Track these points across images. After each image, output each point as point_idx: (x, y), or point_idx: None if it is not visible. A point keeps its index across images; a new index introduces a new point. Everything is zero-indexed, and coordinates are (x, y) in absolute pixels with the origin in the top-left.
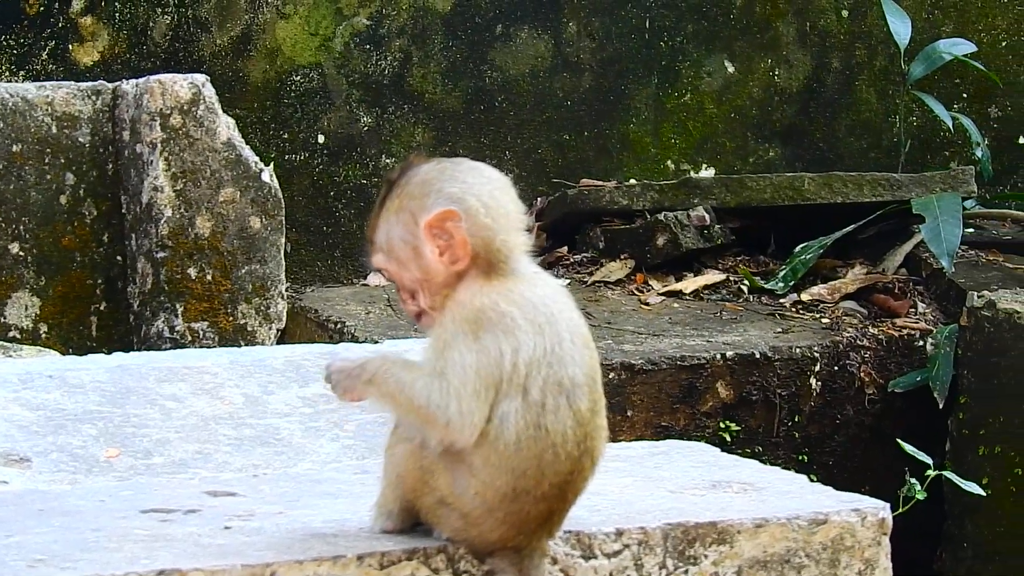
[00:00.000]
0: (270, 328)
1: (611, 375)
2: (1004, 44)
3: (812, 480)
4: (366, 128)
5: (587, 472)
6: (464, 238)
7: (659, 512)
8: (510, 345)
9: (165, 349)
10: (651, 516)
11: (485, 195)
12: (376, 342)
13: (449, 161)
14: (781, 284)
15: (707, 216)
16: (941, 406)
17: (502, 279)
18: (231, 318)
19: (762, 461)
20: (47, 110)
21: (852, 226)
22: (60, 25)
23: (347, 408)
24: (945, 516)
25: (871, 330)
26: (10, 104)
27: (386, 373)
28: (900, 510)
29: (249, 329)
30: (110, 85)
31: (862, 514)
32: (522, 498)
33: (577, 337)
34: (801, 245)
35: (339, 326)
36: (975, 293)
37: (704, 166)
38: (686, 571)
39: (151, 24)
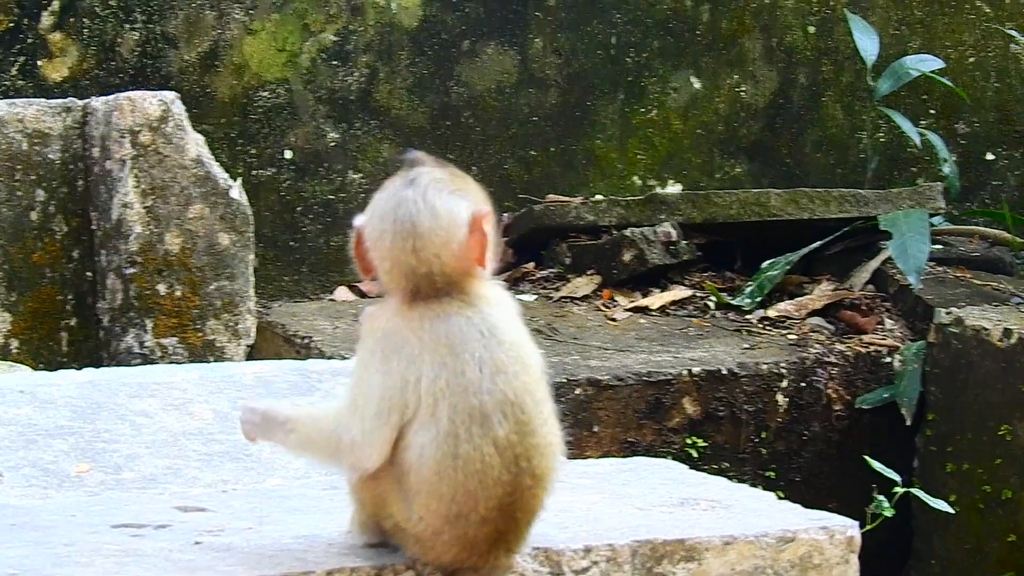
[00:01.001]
0: (239, 344)
1: (577, 391)
2: (971, 60)
3: (780, 497)
4: (333, 143)
5: (533, 490)
6: (366, 257)
7: (627, 529)
8: (413, 374)
9: (135, 365)
10: (619, 533)
11: (407, 226)
12: (344, 357)
13: (426, 174)
14: (748, 300)
15: (673, 232)
16: (909, 423)
17: (419, 306)
18: (200, 334)
19: (729, 477)
20: (18, 127)
21: (819, 242)
22: (29, 41)
23: None
24: (913, 533)
25: (838, 346)
26: None
27: (303, 416)
28: (868, 527)
29: (218, 345)
30: (80, 102)
31: (830, 532)
32: (462, 522)
33: (486, 366)
34: (768, 261)
35: (306, 341)
36: (943, 310)
37: (670, 182)
38: None
39: (119, 40)
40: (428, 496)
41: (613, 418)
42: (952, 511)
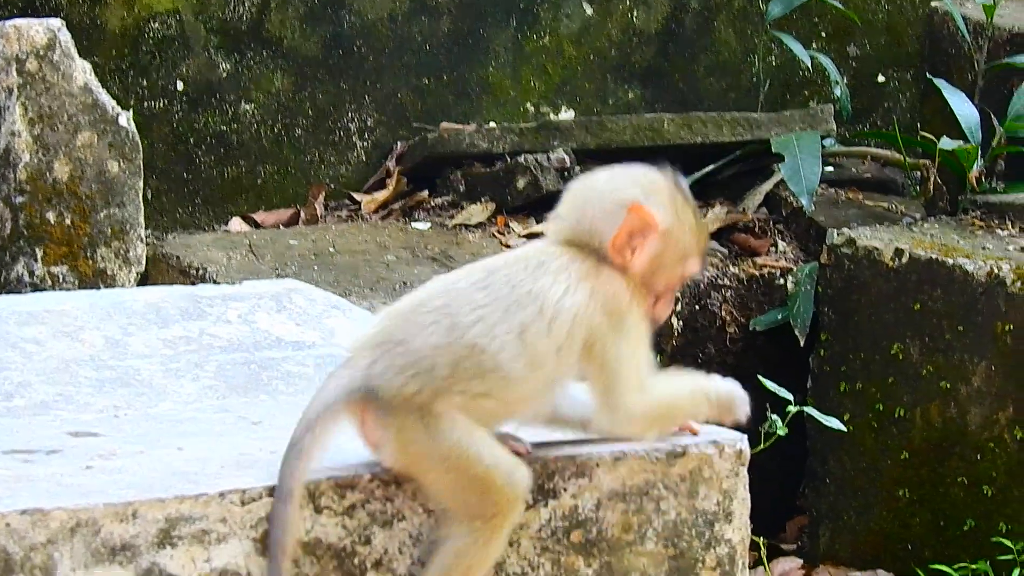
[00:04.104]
0: (130, 271)
1: None
2: None
3: None
4: (225, 75)
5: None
6: None
7: None
8: None
9: (25, 293)
10: None
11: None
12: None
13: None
14: None
15: (567, 158)
16: (802, 343)
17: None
18: (91, 262)
19: None
20: None
21: (712, 166)
22: None
23: (207, 349)
24: (808, 453)
25: (732, 269)
26: None
27: None
28: (762, 447)
29: (109, 273)
30: None
31: (720, 446)
32: None
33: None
34: None
35: (200, 272)
36: (835, 231)
37: (564, 108)
38: (546, 504)
39: None
40: None
41: None
42: (846, 430)
